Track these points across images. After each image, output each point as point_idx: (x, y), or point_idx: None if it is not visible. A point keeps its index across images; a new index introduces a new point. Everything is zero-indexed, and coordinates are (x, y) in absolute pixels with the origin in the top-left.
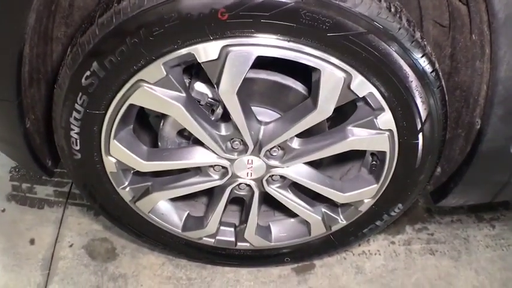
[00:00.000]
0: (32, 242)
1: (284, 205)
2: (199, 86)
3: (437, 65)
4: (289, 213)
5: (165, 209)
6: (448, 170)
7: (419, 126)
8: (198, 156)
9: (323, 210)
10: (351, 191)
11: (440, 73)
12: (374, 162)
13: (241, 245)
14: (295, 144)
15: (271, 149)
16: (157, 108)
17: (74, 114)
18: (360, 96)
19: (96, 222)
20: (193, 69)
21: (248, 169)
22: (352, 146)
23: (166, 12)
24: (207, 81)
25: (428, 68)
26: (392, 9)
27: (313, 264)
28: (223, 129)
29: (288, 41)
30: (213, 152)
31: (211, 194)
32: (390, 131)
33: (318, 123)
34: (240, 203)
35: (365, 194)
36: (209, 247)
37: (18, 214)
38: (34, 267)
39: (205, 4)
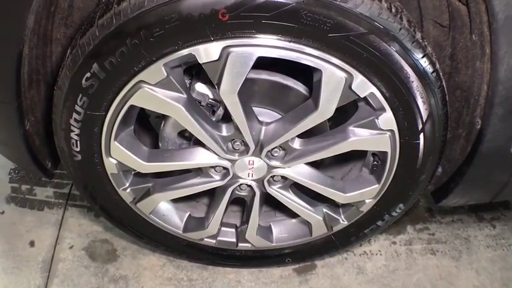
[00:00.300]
0: (31, 244)
1: (285, 205)
2: (200, 87)
3: (438, 65)
4: (291, 214)
5: (166, 210)
6: (448, 170)
7: (420, 126)
8: (199, 157)
9: (324, 210)
10: (352, 192)
11: (441, 73)
12: (375, 163)
13: (242, 245)
14: (297, 144)
15: (272, 149)
16: (158, 109)
17: (74, 115)
18: (361, 96)
19: (96, 224)
20: (194, 70)
21: (249, 170)
22: (354, 147)
23: (166, 13)
24: (208, 81)
25: (429, 68)
26: (393, 10)
27: (315, 264)
28: (224, 130)
29: (289, 42)
30: (214, 152)
31: (212, 195)
32: (391, 131)
33: (319, 124)
34: (241, 204)
35: (366, 194)
36: (210, 248)
37: (17, 216)
38: (34, 270)
39: (206, 5)
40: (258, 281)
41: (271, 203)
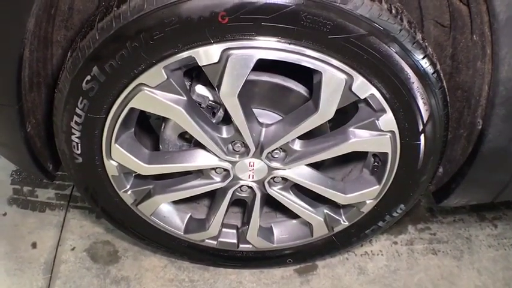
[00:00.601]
0: (34, 245)
1: (286, 207)
2: (200, 89)
3: (438, 66)
4: (291, 215)
5: (167, 212)
6: (450, 170)
7: (421, 127)
8: (200, 159)
9: (325, 211)
10: (352, 192)
11: (441, 74)
12: (376, 164)
13: (243, 246)
14: (297, 146)
15: (272, 151)
16: (159, 111)
17: (75, 118)
18: (362, 98)
19: (98, 225)
20: (194, 72)
21: (250, 171)
22: (354, 148)
23: (166, 16)
24: (208, 83)
25: (429, 69)
26: (394, 11)
27: (316, 265)
28: (225, 132)
29: (289, 44)
30: (215, 154)
31: (213, 196)
32: (392, 132)
33: (320, 125)
34: (242, 205)
35: (367, 195)
36: (211, 249)
37: (19, 218)
38: (36, 271)
39: (205, 7)
40: (260, 281)
41: (272, 204)
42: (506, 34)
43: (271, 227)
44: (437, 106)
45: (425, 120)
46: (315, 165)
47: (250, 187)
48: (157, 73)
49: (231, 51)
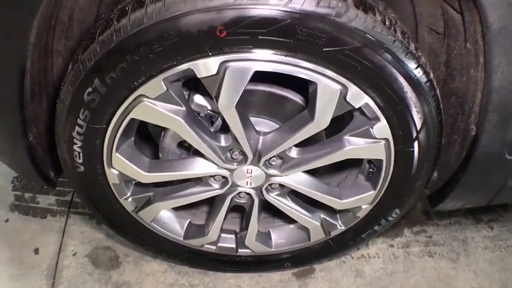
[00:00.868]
0: (36, 251)
1: (283, 212)
2: (199, 99)
3: (431, 75)
4: (289, 220)
5: (167, 218)
6: (444, 175)
7: (414, 134)
8: (199, 167)
9: (322, 216)
10: (348, 198)
11: (435, 83)
12: (371, 170)
13: (242, 251)
14: (294, 153)
15: (270, 158)
16: (158, 122)
17: (77, 128)
18: (356, 107)
19: (99, 231)
20: (192, 82)
21: (248, 178)
22: (350, 155)
23: (165, 30)
24: (206, 93)
25: (422, 78)
26: (387, 22)
27: (313, 268)
28: (223, 140)
29: (285, 56)
30: (213, 162)
31: (212, 203)
32: (386, 139)
33: (316, 133)
34: (240, 210)
35: (362, 200)
36: (211, 254)
37: (21, 224)
38: (39, 277)
39: (204, 22)
40: (258, 285)
41: (270, 209)
42: (499, 44)
43: (269, 231)
44: (431, 114)
45: (418, 127)
46: (311, 172)
47: (248, 193)
48: (157, 85)
49: (229, 64)
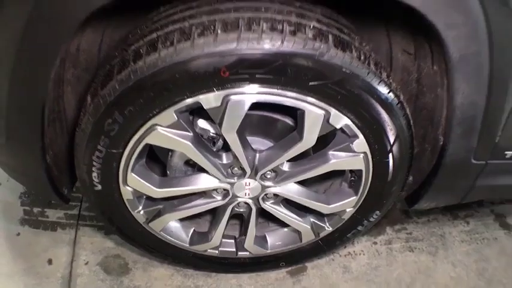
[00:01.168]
0: (49, 262)
1: (278, 217)
2: (202, 123)
3: (402, 97)
4: (283, 224)
5: (174, 227)
6: (418, 179)
7: (388, 147)
8: (203, 182)
9: (311, 220)
10: (334, 203)
11: (405, 104)
12: (353, 178)
13: (241, 254)
14: (286, 167)
15: (265, 172)
16: (169, 146)
17: (96, 153)
18: (338, 127)
19: (108, 240)
20: (195, 109)
21: (246, 190)
22: (334, 167)
23: (177, 71)
24: (208, 118)
25: (394, 101)
26: (362, 57)
27: (305, 266)
28: (224, 158)
29: (277, 89)
30: (216, 177)
31: (214, 212)
32: (364, 153)
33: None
34: (239, 217)
35: (346, 204)
36: (213, 257)
37: (32, 237)
38: (55, 285)
39: (209, 64)
40: (257, 284)
41: (265, 215)
42: (459, 71)
43: (265, 235)
44: (402, 130)
45: (392, 142)
46: (301, 182)
47: (247, 203)
48: (169, 115)
49: (230, 97)
